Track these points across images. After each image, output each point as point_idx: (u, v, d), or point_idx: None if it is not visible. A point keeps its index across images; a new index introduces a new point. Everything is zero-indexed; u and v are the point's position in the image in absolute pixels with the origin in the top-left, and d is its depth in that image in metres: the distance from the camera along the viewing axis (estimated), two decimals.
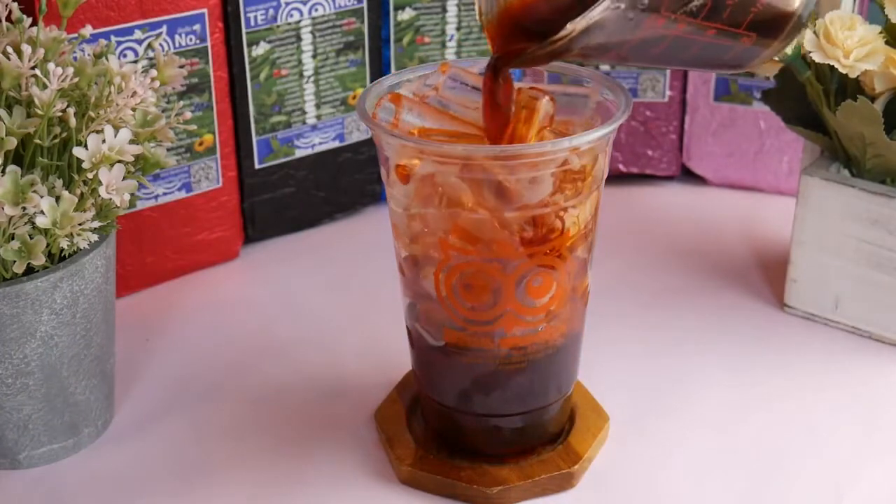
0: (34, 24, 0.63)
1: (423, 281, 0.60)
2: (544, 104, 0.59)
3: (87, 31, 0.64)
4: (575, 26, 0.49)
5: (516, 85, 0.61)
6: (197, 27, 0.78)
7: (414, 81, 0.63)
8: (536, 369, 0.61)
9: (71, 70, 0.59)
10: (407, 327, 0.64)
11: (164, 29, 0.76)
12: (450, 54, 0.90)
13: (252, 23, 0.81)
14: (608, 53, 0.53)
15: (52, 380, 0.63)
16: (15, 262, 0.59)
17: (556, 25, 0.50)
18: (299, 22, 0.83)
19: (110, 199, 0.60)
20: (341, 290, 0.83)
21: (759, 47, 0.55)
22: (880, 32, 0.69)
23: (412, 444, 0.65)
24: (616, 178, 0.96)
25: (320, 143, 0.88)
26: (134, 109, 0.63)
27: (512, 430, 0.63)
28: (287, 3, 0.82)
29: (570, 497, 0.63)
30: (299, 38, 0.83)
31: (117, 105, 0.61)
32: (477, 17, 0.57)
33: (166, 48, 0.77)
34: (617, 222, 0.89)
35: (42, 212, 0.58)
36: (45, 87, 0.59)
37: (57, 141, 0.61)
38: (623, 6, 0.48)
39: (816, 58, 0.69)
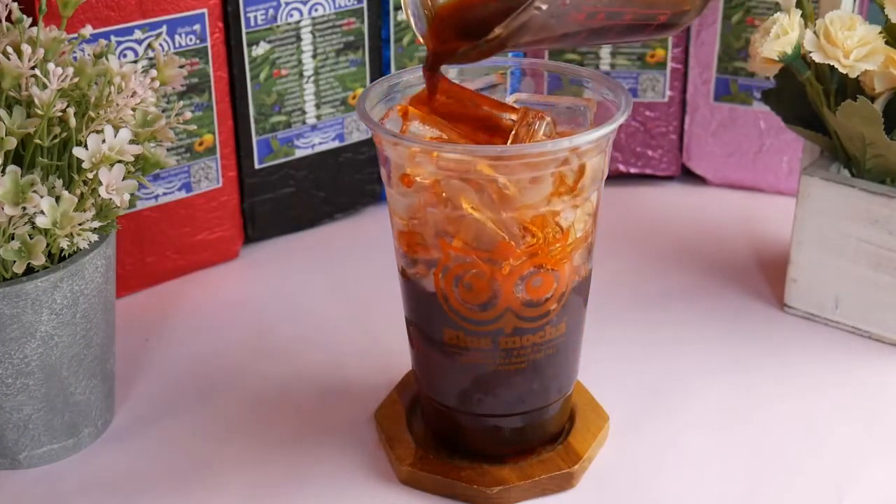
0: (34, 24, 0.63)
1: (423, 281, 0.60)
2: (543, 127, 0.59)
3: (87, 31, 0.64)
4: (503, 30, 0.52)
5: (511, 98, 0.62)
6: (197, 27, 0.78)
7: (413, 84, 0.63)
8: (536, 369, 0.61)
9: (71, 70, 0.59)
10: (407, 327, 0.64)
11: (164, 29, 0.76)
12: None
13: (252, 23, 0.81)
14: (536, 45, 0.56)
15: (52, 380, 0.63)
16: (15, 262, 0.59)
17: (486, 25, 0.54)
18: (299, 22, 0.83)
19: (110, 199, 0.60)
20: (341, 290, 0.83)
21: (678, 18, 0.58)
22: (880, 32, 0.69)
23: (412, 444, 0.65)
24: (616, 178, 0.96)
25: (320, 143, 0.88)
26: (134, 109, 0.63)
27: (512, 430, 0.63)
28: (287, 3, 0.82)
29: (570, 497, 0.63)
30: (299, 38, 0.83)
31: (117, 105, 0.61)
32: (414, 30, 0.60)
33: (166, 48, 0.77)
34: (617, 222, 0.89)
35: (42, 212, 0.58)
36: (45, 87, 0.59)
37: (57, 141, 0.61)
38: (545, 7, 0.51)
39: (816, 58, 0.69)
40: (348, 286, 0.83)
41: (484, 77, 0.63)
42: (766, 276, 0.82)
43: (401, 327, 0.66)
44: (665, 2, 0.56)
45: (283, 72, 0.84)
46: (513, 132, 0.59)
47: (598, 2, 0.53)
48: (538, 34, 0.53)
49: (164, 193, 0.81)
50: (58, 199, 0.59)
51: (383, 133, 0.57)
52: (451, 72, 0.64)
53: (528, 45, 0.56)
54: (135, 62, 0.69)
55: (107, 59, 0.62)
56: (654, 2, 0.56)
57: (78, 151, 0.59)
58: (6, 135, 0.58)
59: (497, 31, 0.52)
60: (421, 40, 0.60)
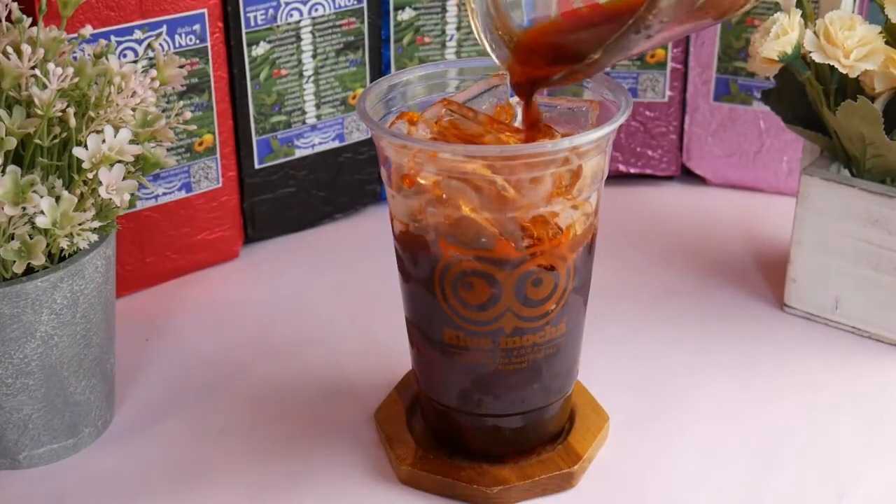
0: (34, 24, 0.63)
1: (423, 281, 0.60)
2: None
3: (87, 31, 0.64)
4: (601, 54, 0.53)
5: (513, 100, 0.62)
6: (197, 27, 0.78)
7: (414, 83, 0.63)
8: (536, 369, 0.61)
9: (71, 70, 0.59)
10: (407, 327, 0.64)
11: (164, 29, 0.76)
12: (450, 54, 0.90)
13: (252, 23, 0.81)
14: (618, 61, 0.57)
15: (52, 380, 0.63)
16: (15, 262, 0.59)
17: (574, 50, 0.54)
18: (299, 22, 0.83)
19: (110, 199, 0.60)
20: (341, 290, 0.83)
21: (733, 12, 0.58)
22: (880, 32, 0.69)
23: (412, 444, 0.65)
24: (616, 178, 0.96)
25: (320, 143, 0.88)
26: (134, 109, 0.63)
27: (512, 430, 0.63)
28: (287, 3, 0.82)
29: (570, 497, 0.63)
30: (299, 38, 0.83)
31: (117, 105, 0.61)
32: (493, 57, 0.60)
33: (166, 48, 0.77)
34: (617, 222, 0.89)
35: (42, 212, 0.58)
36: (45, 87, 0.59)
37: (57, 141, 0.61)
38: (643, 25, 0.51)
39: (816, 58, 0.69)
40: (348, 286, 0.83)
41: (484, 79, 0.63)
42: (765, 276, 0.82)
43: (401, 327, 0.65)
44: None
45: (283, 72, 0.84)
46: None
47: (690, 9, 0.53)
48: (629, 52, 0.54)
49: (164, 193, 0.81)
50: (58, 199, 0.59)
51: (383, 133, 0.57)
52: (450, 71, 0.64)
53: (613, 64, 0.57)
54: (135, 62, 0.69)
55: (107, 59, 0.62)
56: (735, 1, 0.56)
57: (78, 151, 0.59)
58: (6, 135, 0.58)
59: (596, 55, 0.53)
60: (499, 63, 0.60)
